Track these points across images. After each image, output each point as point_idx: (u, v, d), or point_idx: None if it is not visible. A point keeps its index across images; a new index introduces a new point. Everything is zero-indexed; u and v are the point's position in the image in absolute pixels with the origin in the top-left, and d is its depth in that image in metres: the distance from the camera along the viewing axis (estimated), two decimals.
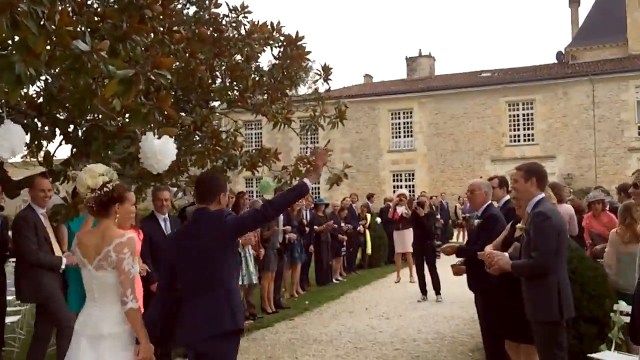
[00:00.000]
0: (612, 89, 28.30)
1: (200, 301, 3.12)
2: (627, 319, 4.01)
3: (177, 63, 4.77)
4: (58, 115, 4.90)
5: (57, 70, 3.27)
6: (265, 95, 6.05)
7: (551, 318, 3.46)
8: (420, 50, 35.89)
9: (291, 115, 5.97)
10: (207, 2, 5.12)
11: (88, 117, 4.76)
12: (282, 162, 6.39)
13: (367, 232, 12.43)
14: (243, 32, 5.80)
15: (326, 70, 6.35)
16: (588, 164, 28.89)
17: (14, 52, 2.70)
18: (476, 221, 4.81)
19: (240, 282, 7.06)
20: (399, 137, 32.02)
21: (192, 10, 4.83)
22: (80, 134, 4.76)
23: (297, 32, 5.93)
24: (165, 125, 3.43)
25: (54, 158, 4.61)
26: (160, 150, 3.15)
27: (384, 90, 33.01)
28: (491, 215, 4.82)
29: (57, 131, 4.63)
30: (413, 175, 31.63)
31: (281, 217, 8.61)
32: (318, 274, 10.54)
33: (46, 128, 4.53)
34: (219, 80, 5.57)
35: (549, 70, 31.42)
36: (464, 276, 4.86)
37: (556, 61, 33.71)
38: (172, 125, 3.80)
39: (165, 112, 3.22)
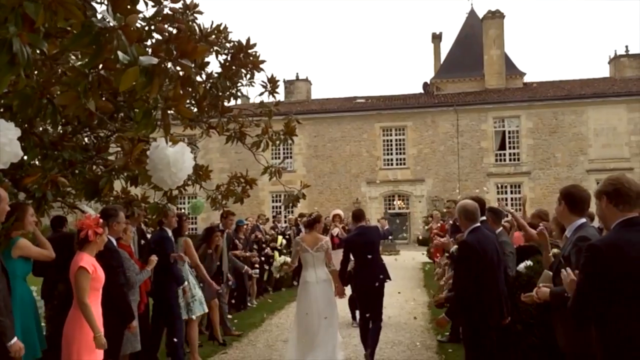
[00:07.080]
0: (473, 119, 31.03)
1: (375, 265, 6.30)
2: None
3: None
4: None
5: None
6: (210, 106, 5.46)
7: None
8: (297, 74, 36.43)
9: (245, 129, 5.44)
10: None
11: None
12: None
13: (276, 253, 11.89)
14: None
15: (273, 82, 5.94)
16: (452, 187, 31.13)
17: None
18: (453, 248, 4.29)
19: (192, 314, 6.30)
20: (279, 158, 31.92)
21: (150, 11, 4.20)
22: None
23: (249, 39, 5.43)
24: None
25: None
26: (174, 161, 2.52)
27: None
28: (464, 243, 4.23)
29: None
30: None
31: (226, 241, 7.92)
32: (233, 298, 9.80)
33: None
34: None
35: (418, 99, 33.58)
36: None
37: (423, 91, 36.16)
38: None
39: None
